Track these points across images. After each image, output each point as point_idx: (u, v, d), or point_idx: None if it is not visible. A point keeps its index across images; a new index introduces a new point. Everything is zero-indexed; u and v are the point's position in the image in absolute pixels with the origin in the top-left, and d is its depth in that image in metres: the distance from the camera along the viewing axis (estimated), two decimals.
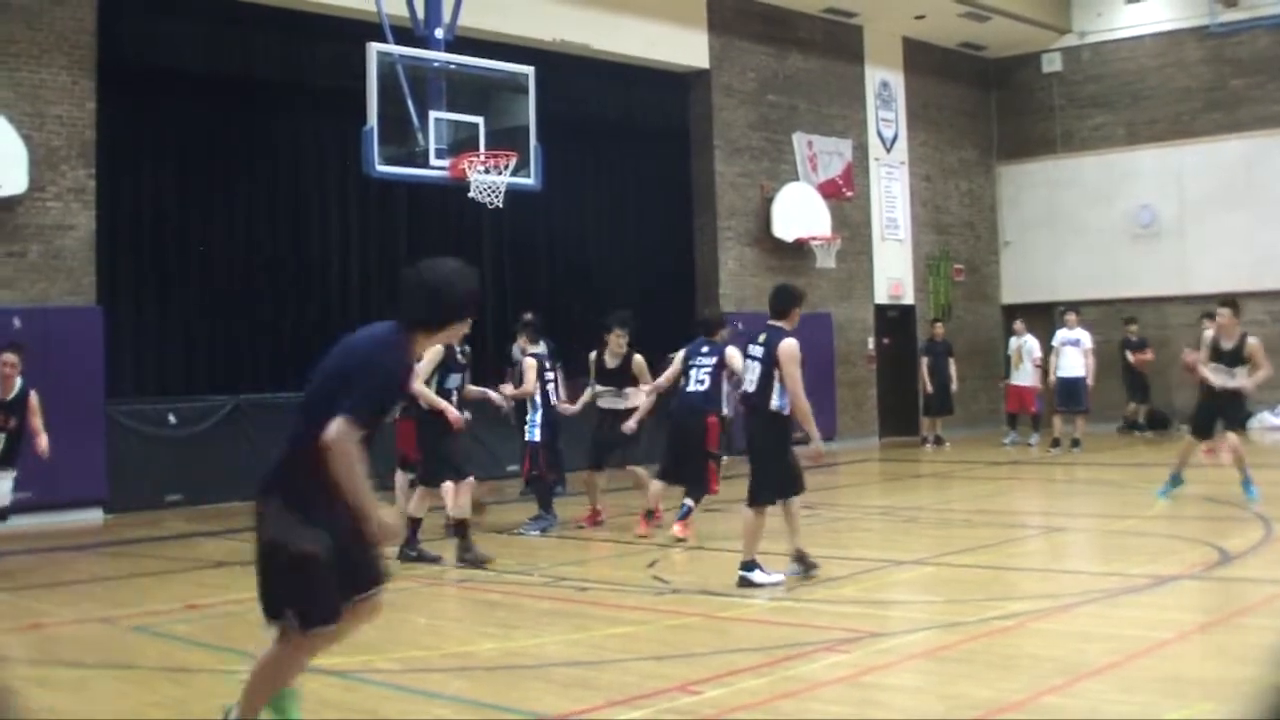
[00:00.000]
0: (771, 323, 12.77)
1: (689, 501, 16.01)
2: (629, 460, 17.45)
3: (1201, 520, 15.85)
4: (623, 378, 17.44)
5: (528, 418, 17.01)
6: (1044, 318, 30.76)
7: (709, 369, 16.28)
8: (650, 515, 16.37)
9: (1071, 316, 27.67)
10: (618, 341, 17.44)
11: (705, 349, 16.42)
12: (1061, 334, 27.56)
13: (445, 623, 11.63)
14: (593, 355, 17.82)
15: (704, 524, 17.03)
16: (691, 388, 16.31)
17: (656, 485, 16.41)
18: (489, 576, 13.56)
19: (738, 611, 11.37)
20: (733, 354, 15.89)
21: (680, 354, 16.78)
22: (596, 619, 11.12)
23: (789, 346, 12.40)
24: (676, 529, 15.72)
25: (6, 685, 7.99)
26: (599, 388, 17.62)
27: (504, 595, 12.45)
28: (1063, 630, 10.31)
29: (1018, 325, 29.77)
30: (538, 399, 16.91)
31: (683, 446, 16.24)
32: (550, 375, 17.36)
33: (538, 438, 16.95)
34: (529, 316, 17.84)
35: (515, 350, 18.66)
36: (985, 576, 13.39)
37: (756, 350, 12.70)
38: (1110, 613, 10.87)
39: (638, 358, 17.49)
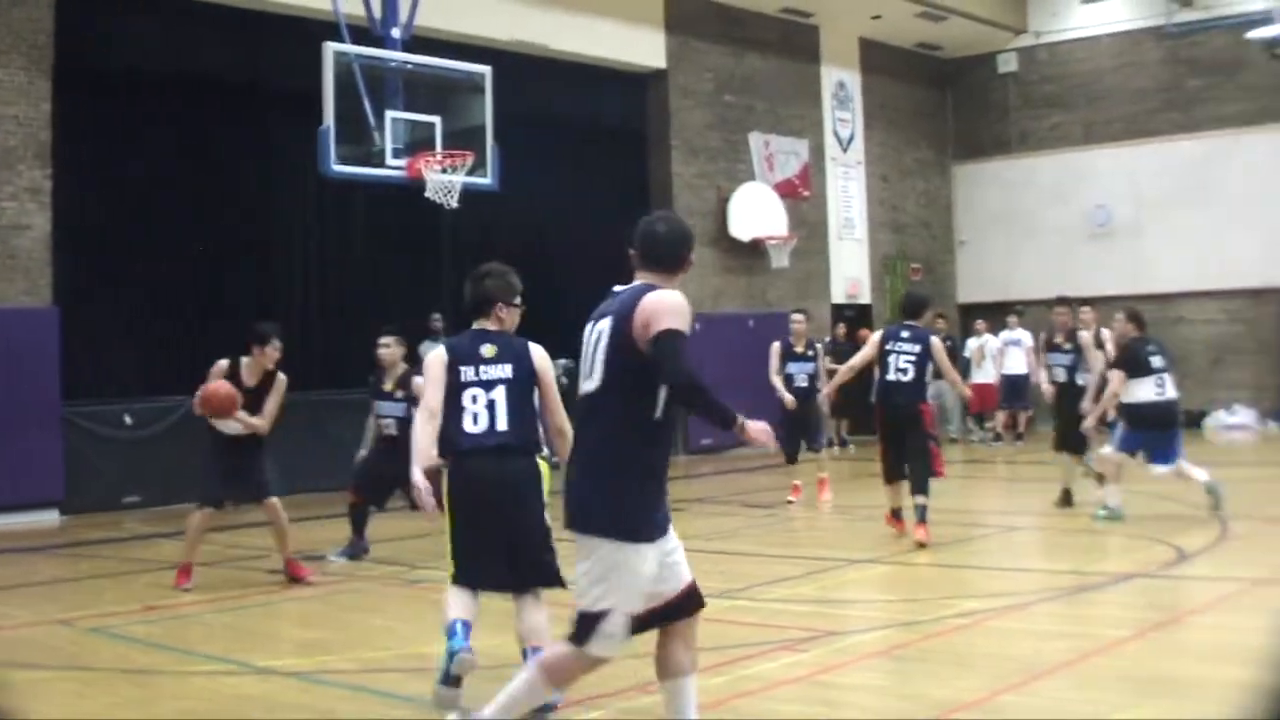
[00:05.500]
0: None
1: (922, 500, 15.00)
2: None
3: (1157, 519, 15.88)
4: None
5: None
6: (1000, 317, 30.74)
7: (912, 357, 15.21)
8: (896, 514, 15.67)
9: (1013, 318, 28.59)
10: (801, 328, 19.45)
11: (906, 334, 15.42)
12: (1003, 335, 28.46)
13: (401, 624, 11.59)
14: (775, 346, 19.44)
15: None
16: (893, 376, 15.27)
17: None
18: (445, 578, 13.51)
19: None
20: (938, 344, 15.48)
21: (877, 335, 16.13)
22: (554, 619, 11.10)
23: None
24: (920, 534, 14.73)
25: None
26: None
27: None
28: (1020, 628, 10.34)
29: (978, 325, 30.01)
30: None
31: (899, 442, 15.32)
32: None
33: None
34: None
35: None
36: (941, 575, 13.42)
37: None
38: (1067, 611, 10.91)
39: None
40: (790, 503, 18.98)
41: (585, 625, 6.76)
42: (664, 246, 7.12)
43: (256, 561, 14.51)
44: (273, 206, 23.84)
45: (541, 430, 8.78)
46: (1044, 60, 35.16)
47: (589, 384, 6.74)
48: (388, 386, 14.99)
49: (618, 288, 7.01)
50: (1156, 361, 16.10)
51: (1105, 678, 8.65)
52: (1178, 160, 32.31)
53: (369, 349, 15.48)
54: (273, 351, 13.49)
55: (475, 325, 8.74)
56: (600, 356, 6.67)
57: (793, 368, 19.33)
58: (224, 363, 13.38)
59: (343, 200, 23.86)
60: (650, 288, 6.77)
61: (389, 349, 15.07)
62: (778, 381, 19.14)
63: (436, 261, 25.83)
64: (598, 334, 6.75)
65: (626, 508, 6.57)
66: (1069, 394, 17.46)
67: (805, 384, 19.22)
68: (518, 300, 8.83)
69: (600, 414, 6.66)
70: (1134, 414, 16.08)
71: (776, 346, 19.50)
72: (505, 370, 8.54)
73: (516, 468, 8.47)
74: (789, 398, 18.99)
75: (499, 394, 8.50)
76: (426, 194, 18.83)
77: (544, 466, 8.79)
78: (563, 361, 26.41)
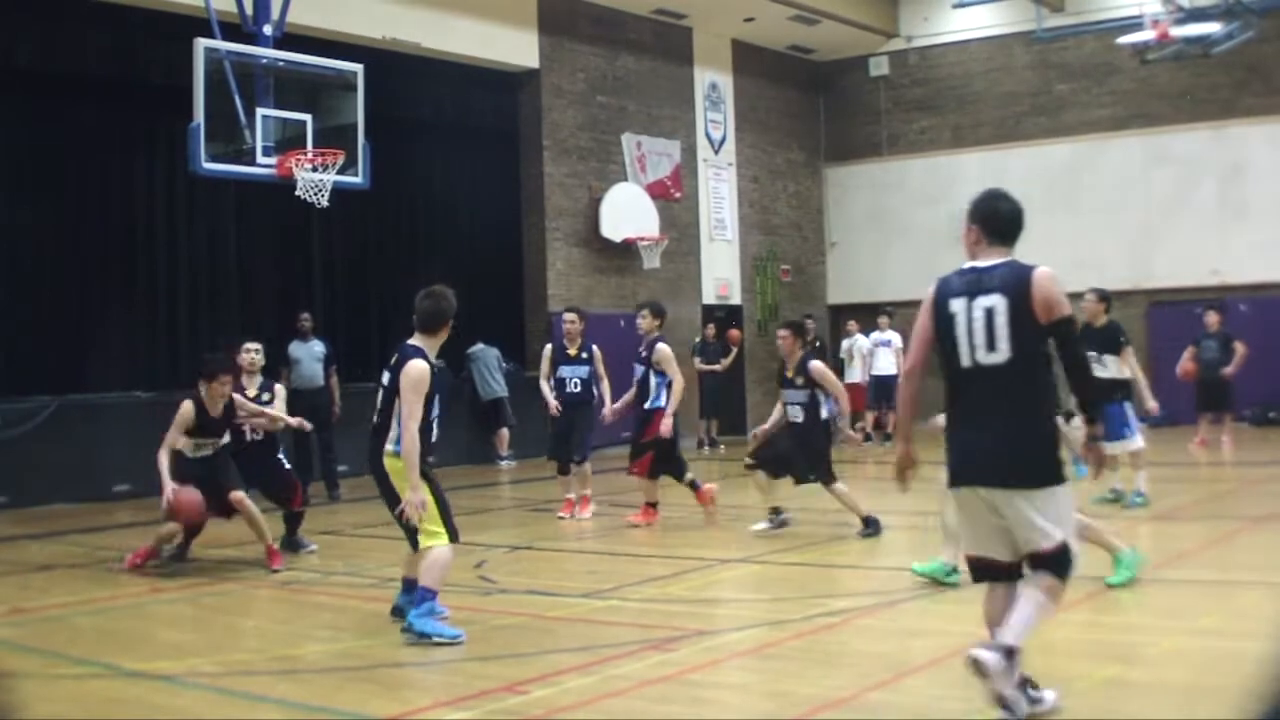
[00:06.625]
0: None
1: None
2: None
3: None
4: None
5: None
6: (870, 318, 30.90)
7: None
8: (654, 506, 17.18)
9: (883, 319, 28.84)
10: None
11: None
12: (874, 335, 28.76)
13: (270, 625, 11.54)
14: (547, 348, 18.22)
15: (534, 525, 17.10)
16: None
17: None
18: (315, 579, 13.49)
19: (564, 611, 11.39)
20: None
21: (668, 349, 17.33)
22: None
23: None
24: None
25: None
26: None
27: (331, 597, 12.38)
28: (887, 627, 10.43)
29: (850, 325, 30.30)
30: None
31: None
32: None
33: None
34: None
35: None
36: (810, 574, 13.51)
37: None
38: (934, 609, 11.00)
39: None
40: (562, 518, 17.74)
41: (1064, 557, 7.57)
42: (1009, 223, 7.72)
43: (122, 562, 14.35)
44: (142, 204, 23.63)
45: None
46: (915, 64, 35.50)
47: (993, 356, 7.46)
48: None
49: (973, 263, 7.68)
50: None
51: (971, 676, 8.75)
52: (1046, 164, 32.70)
53: (238, 349, 15.33)
54: (220, 386, 13.77)
55: (417, 339, 10.24)
56: (1004, 332, 7.41)
57: (564, 371, 17.74)
58: (189, 405, 13.60)
59: (213, 198, 23.70)
60: (1027, 266, 7.50)
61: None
62: (545, 386, 17.77)
63: (307, 261, 25.76)
64: (985, 310, 7.44)
65: (1059, 458, 7.55)
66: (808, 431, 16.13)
67: (577, 389, 17.69)
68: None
69: (1018, 381, 7.47)
70: (1130, 390, 16.91)
71: (548, 349, 18.10)
72: (386, 378, 10.33)
73: (378, 461, 10.28)
74: (553, 404, 17.65)
75: (381, 398, 10.37)
76: (297, 192, 18.69)
77: (398, 464, 9.98)
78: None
